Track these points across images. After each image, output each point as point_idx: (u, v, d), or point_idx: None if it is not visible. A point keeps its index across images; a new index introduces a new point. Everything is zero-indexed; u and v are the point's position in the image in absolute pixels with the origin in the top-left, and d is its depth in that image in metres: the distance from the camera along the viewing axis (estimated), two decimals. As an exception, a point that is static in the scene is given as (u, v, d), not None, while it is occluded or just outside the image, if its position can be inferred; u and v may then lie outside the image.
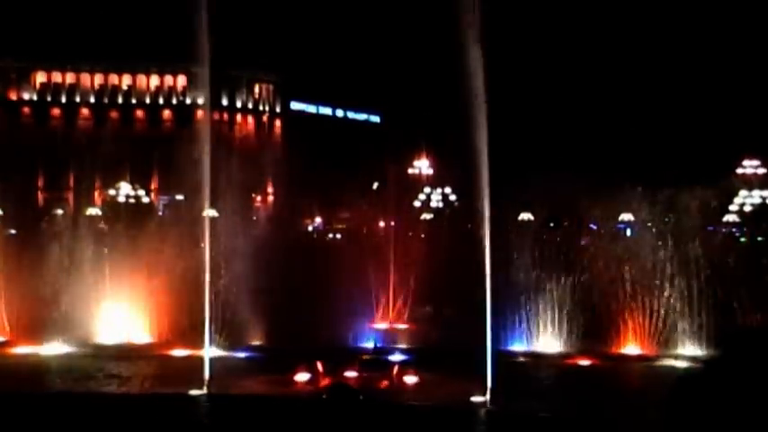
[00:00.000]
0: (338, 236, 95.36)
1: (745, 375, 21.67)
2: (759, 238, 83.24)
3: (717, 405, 21.14)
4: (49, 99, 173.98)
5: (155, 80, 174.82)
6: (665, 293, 54.96)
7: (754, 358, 22.08)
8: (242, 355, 54.07)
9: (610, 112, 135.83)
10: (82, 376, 48.10)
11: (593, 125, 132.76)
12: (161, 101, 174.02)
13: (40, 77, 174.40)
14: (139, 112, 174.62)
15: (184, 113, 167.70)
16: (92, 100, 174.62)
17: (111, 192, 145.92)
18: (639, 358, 53.92)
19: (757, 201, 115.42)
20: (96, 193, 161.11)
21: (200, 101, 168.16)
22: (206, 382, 43.88)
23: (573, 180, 63.79)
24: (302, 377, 46.09)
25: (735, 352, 22.61)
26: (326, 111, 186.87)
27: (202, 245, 49.26)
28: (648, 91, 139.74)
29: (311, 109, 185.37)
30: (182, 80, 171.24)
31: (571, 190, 62.92)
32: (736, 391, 21.13)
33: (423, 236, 77.69)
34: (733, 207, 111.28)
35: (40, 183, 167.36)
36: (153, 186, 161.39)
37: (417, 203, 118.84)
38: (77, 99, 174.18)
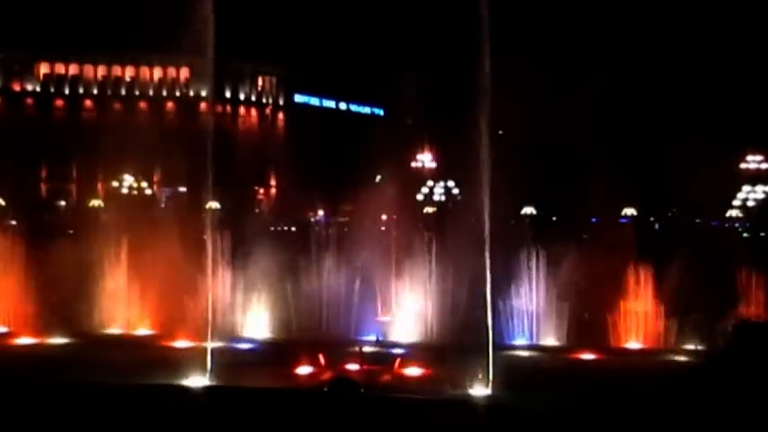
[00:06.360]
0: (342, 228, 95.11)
1: (755, 366, 21.74)
2: (762, 234, 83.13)
3: (726, 394, 21.18)
4: (52, 90, 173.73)
5: (158, 72, 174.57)
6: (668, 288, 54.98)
7: (763, 350, 22.15)
8: (244, 346, 54.05)
9: (612, 107, 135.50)
10: (83, 366, 48.01)
11: (595, 121, 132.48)
12: (164, 93, 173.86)
13: (44, 69, 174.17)
14: (142, 104, 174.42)
15: (187, 106, 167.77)
16: (95, 91, 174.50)
17: (115, 183, 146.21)
18: (641, 352, 53.90)
19: (760, 196, 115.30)
20: (99, 185, 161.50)
21: (204, 93, 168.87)
22: (207, 374, 43.92)
23: (575, 175, 63.76)
24: (304, 370, 46.10)
25: (745, 344, 22.67)
26: (330, 103, 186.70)
27: (205, 237, 49.35)
28: (650, 86, 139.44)
29: (314, 101, 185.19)
30: (185, 72, 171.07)
31: (573, 185, 62.93)
32: (746, 381, 21.19)
33: (425, 229, 77.50)
34: (736, 202, 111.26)
35: (44, 174, 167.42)
36: (156, 178, 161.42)
37: (420, 197, 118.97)
38: (81, 91, 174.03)
